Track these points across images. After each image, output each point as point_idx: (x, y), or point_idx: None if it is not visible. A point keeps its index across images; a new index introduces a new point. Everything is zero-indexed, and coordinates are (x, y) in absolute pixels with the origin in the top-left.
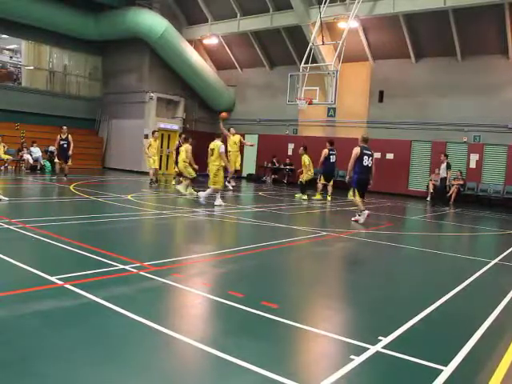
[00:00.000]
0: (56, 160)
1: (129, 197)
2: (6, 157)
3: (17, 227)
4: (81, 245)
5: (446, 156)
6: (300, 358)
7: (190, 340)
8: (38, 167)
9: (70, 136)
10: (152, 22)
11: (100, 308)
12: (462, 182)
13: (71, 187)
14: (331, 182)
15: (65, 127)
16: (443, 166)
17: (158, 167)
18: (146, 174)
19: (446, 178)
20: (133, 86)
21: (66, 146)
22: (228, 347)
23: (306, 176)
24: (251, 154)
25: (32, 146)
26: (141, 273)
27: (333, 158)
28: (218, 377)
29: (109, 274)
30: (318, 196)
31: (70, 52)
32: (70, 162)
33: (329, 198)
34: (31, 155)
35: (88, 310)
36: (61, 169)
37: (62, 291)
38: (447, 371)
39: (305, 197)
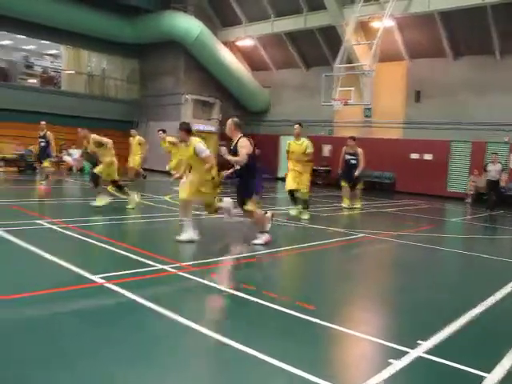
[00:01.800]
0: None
1: (166, 198)
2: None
3: (59, 227)
4: (121, 244)
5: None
6: (338, 361)
7: (229, 341)
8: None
9: (48, 133)
10: (187, 25)
11: (139, 307)
12: (503, 184)
13: (109, 188)
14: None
15: (43, 122)
16: (497, 167)
17: (131, 166)
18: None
19: (499, 180)
20: (169, 88)
21: (43, 144)
22: (267, 349)
23: (305, 178)
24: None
25: (71, 148)
26: (179, 273)
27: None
28: (257, 378)
29: (148, 273)
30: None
31: (107, 56)
32: (45, 163)
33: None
34: (71, 157)
35: (127, 308)
36: (41, 171)
37: (102, 290)
38: (491, 379)
39: (306, 216)
